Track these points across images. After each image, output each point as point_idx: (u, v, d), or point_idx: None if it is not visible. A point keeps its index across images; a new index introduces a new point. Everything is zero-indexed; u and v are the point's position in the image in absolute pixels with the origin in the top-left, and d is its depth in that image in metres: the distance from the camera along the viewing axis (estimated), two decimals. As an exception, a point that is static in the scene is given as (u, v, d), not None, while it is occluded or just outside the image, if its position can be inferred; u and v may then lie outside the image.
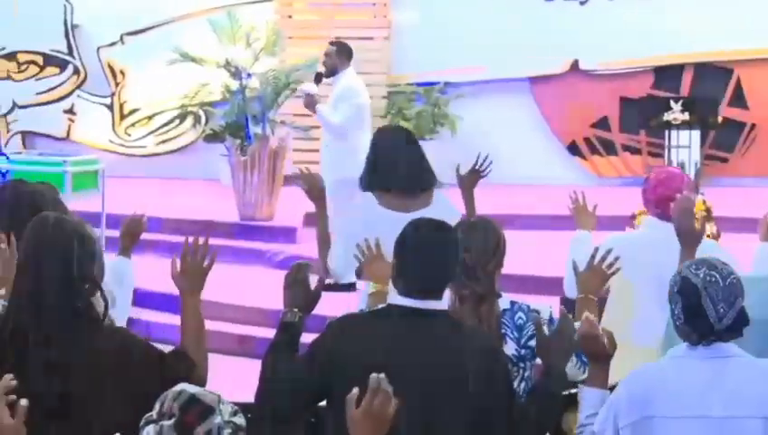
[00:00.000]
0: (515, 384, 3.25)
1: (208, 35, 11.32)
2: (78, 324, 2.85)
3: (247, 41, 11.04)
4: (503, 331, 3.39)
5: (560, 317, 3.13)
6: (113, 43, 12.80)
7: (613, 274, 3.53)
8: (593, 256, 3.51)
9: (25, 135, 13.06)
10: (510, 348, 3.38)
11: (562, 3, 11.85)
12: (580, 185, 11.22)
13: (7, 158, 9.40)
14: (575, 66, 11.85)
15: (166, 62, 11.10)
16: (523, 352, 3.40)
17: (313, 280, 3.20)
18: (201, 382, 2.87)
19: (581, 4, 11.85)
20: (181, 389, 2.32)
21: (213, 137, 11.67)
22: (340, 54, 8.66)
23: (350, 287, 5.79)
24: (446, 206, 4.78)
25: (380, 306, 3.16)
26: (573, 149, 12.04)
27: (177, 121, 12.63)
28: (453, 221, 4.64)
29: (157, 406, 2.30)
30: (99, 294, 2.93)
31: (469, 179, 4.96)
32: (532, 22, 11.65)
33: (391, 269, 3.06)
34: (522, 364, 3.40)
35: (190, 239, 3.05)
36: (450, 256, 3.04)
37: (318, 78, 8.83)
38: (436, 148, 11.74)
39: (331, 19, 12.25)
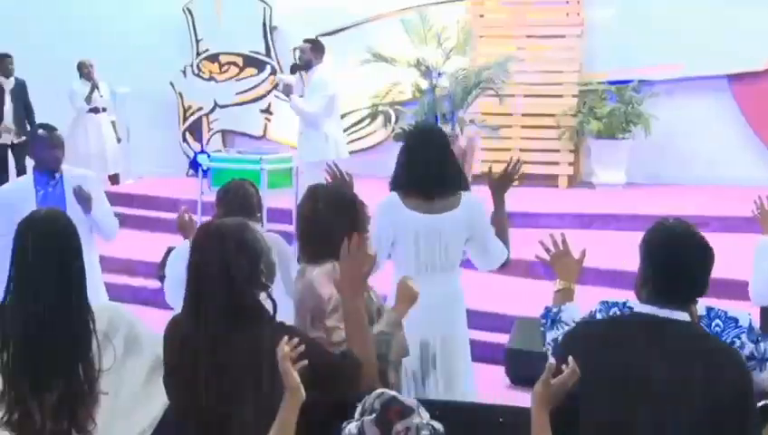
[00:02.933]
0: None
1: (400, 35, 11.45)
2: (243, 325, 2.91)
3: (438, 40, 11.11)
4: None
5: None
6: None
7: None
8: None
9: (225, 134, 13.58)
10: None
11: (766, -3, 11.34)
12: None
13: (208, 156, 9.80)
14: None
15: (358, 62, 11.30)
16: None
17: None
18: (370, 382, 2.91)
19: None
20: (382, 390, 2.37)
21: (402, 136, 11.80)
22: (314, 51, 9.54)
23: None
24: (474, 209, 4.55)
25: (578, 317, 3.07)
26: (775, 149, 11.50)
27: (368, 120, 12.83)
28: (481, 224, 4.53)
29: (359, 407, 2.36)
30: (265, 294, 2.99)
31: (499, 183, 4.70)
32: (731, 17, 11.19)
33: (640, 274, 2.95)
34: None
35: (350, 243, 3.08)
36: (700, 265, 2.87)
37: (293, 69, 9.71)
38: (628, 147, 11.50)
39: (523, 17, 12.15)
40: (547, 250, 3.53)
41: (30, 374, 2.74)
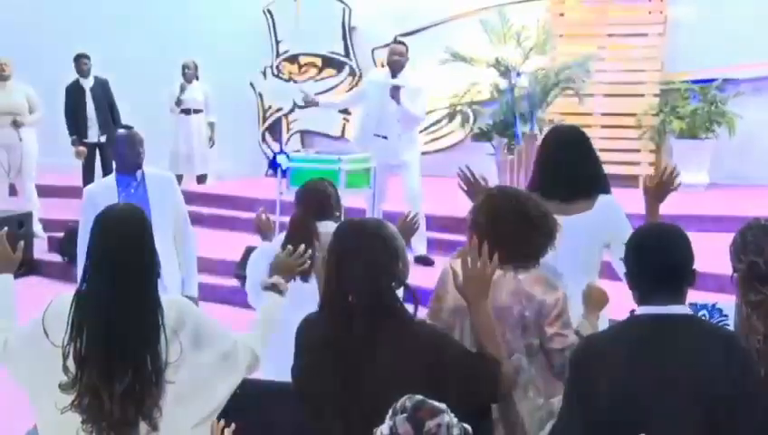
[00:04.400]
0: None
1: (479, 35, 11.39)
2: (387, 324, 2.92)
3: (518, 40, 11.02)
4: None
5: None
6: (387, 45, 13.13)
7: None
8: None
9: (304, 134, 13.68)
10: None
11: None
12: None
13: (287, 156, 9.87)
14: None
15: (437, 61, 11.28)
16: None
17: None
18: (507, 379, 2.94)
19: None
20: (412, 395, 2.39)
21: (481, 136, 11.75)
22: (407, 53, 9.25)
23: None
24: (610, 212, 4.50)
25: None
26: None
27: (447, 120, 12.81)
28: (619, 228, 4.44)
29: (390, 412, 2.38)
30: (405, 291, 3.00)
31: (654, 191, 4.61)
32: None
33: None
34: None
35: (470, 247, 3.06)
36: (684, 254, 2.89)
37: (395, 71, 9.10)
38: (712, 148, 11.27)
39: (604, 16, 12.01)
40: None
41: (101, 361, 2.83)
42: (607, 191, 4.58)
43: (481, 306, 3.04)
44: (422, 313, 3.19)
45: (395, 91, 8.70)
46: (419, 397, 2.39)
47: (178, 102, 11.65)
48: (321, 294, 3.04)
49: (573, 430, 2.84)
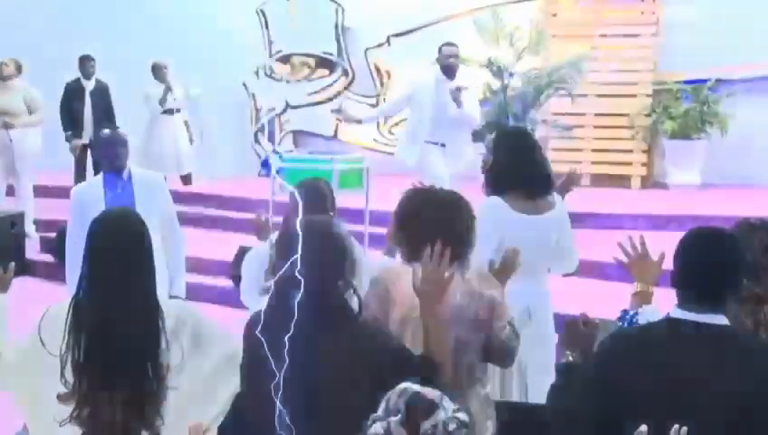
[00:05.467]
0: None
1: (472, 35, 11.39)
2: (333, 324, 2.91)
3: (511, 40, 11.03)
4: None
5: None
6: (380, 45, 13.16)
7: None
8: None
9: (297, 134, 13.67)
10: None
11: None
12: None
13: (280, 156, 9.86)
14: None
15: (430, 62, 11.27)
16: None
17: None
18: (445, 383, 2.90)
19: None
20: (405, 386, 2.36)
21: (474, 136, 11.74)
22: None
23: None
24: (563, 207, 4.71)
25: (656, 319, 3.04)
26: None
27: (439, 121, 12.80)
28: (568, 226, 4.64)
29: (383, 404, 2.35)
30: (352, 292, 2.99)
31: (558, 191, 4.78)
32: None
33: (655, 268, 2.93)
34: None
35: (433, 249, 3.05)
36: (729, 263, 2.84)
37: (451, 74, 8.70)
38: (704, 148, 11.30)
39: (597, 16, 12.02)
40: (626, 253, 3.49)
41: (100, 371, 2.79)
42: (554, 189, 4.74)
43: (434, 309, 3.04)
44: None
45: (457, 94, 8.30)
46: (411, 391, 2.36)
47: (163, 103, 11.64)
48: (271, 292, 3.03)
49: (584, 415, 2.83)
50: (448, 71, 8.51)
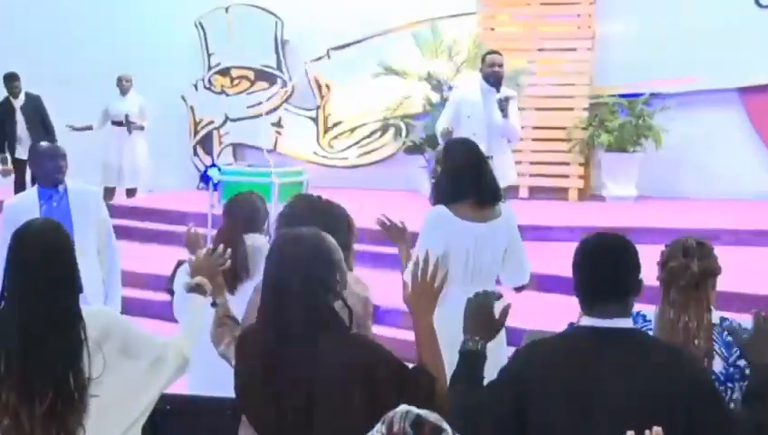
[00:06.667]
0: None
1: (411, 49, 11.46)
2: (325, 338, 2.89)
3: (449, 54, 11.12)
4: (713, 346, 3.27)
5: (754, 318, 3.03)
6: (319, 58, 13.17)
7: None
8: None
9: (236, 147, 13.61)
10: (718, 365, 3.25)
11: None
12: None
13: (219, 169, 9.81)
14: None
15: (369, 75, 11.32)
16: (731, 370, 3.26)
17: (499, 306, 3.13)
18: (443, 397, 2.91)
19: (799, 11, 11.30)
20: (407, 409, 2.33)
21: (413, 149, 11.81)
22: None
23: None
24: (511, 216, 4.71)
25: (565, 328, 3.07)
26: (787, 162, 11.47)
27: (379, 134, 12.85)
28: (517, 236, 4.68)
29: (383, 428, 2.32)
30: (342, 303, 2.97)
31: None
32: (745, 30, 11.18)
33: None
34: (730, 384, 3.24)
35: (421, 261, 3.04)
36: (629, 265, 2.89)
37: (498, 85, 8.22)
38: (639, 161, 11.48)
39: (534, 31, 12.16)
40: None
41: (20, 383, 2.77)
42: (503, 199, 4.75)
43: (425, 321, 3.04)
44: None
45: (504, 104, 7.89)
46: (414, 413, 2.33)
47: (106, 115, 11.56)
48: (259, 307, 3.02)
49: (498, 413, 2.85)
50: (494, 80, 8.04)
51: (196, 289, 3.38)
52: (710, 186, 11.23)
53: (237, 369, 3.06)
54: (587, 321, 2.88)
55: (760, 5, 11.38)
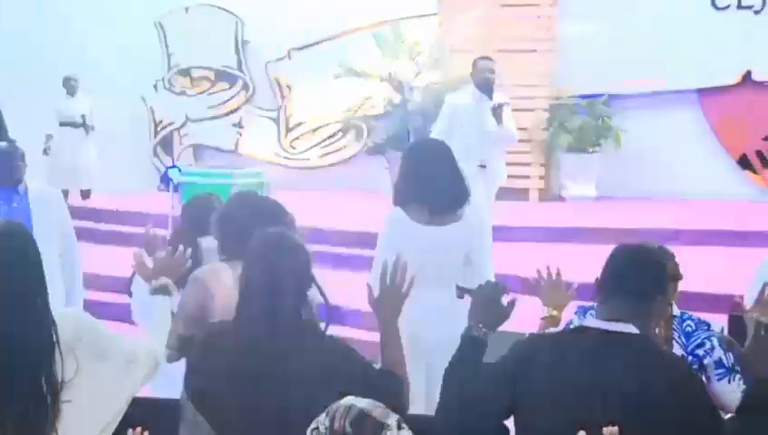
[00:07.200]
0: None
1: (373, 50, 11.47)
2: (301, 338, 2.90)
3: (410, 54, 11.14)
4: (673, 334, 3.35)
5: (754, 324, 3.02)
6: (281, 59, 13.14)
7: None
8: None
9: (197, 148, 13.54)
10: (677, 352, 3.34)
11: (735, 12, 11.46)
12: (750, 200, 10.87)
13: (179, 170, 9.76)
14: (747, 77, 11.43)
15: (331, 76, 11.32)
16: (689, 359, 3.34)
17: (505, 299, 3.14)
18: (406, 399, 2.95)
19: (756, 13, 11.42)
20: (350, 404, 2.33)
21: (375, 149, 11.82)
22: None
23: None
24: (475, 221, 4.61)
25: (573, 326, 3.07)
26: (744, 162, 11.60)
27: (341, 134, 12.84)
28: (482, 235, 4.60)
29: (326, 421, 2.31)
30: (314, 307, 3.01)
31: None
32: (703, 32, 11.31)
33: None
34: None
35: (389, 266, 3.06)
36: (647, 280, 2.89)
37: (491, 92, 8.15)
38: (599, 161, 11.57)
39: (494, 32, 12.20)
40: (539, 277, 3.58)
41: None
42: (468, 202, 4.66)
43: (392, 324, 3.06)
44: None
45: (498, 111, 7.76)
46: (357, 409, 2.31)
47: (59, 117, 11.48)
48: (237, 307, 3.01)
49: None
50: (486, 87, 7.94)
51: (160, 290, 3.37)
52: (669, 186, 11.33)
53: (198, 367, 3.04)
54: (589, 322, 2.91)
55: (717, 8, 11.51)
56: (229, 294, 3.26)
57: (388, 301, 3.05)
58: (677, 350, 3.34)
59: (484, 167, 7.77)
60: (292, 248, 2.99)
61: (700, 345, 3.38)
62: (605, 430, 2.37)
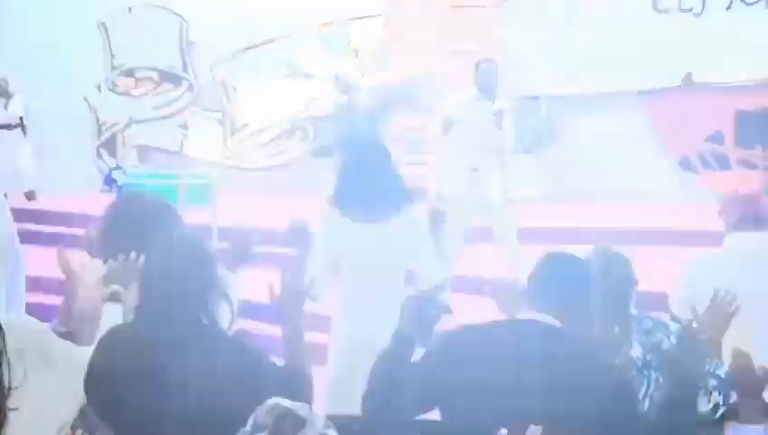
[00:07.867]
0: (641, 391, 3.25)
1: (319, 50, 11.47)
2: (206, 337, 2.90)
3: (356, 55, 11.15)
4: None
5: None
6: (226, 60, 13.08)
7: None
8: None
9: (141, 149, 13.43)
10: (636, 351, 3.39)
11: (676, 15, 11.63)
12: (692, 201, 11.03)
13: (124, 171, 9.70)
14: (688, 79, 11.61)
15: (276, 77, 11.30)
16: (648, 356, 3.39)
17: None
18: (310, 398, 2.94)
19: (696, 15, 11.61)
20: (275, 402, 2.36)
21: (320, 152, 11.82)
22: None
23: None
24: (411, 220, 4.56)
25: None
26: (685, 163, 11.79)
27: (286, 136, 12.82)
28: (416, 236, 4.55)
29: (251, 421, 2.34)
30: (226, 305, 2.99)
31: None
32: (644, 34, 11.46)
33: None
34: (646, 371, 3.37)
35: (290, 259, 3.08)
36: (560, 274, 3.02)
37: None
38: (538, 162, 11.67)
39: (437, 34, 12.25)
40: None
41: None
42: (412, 200, 4.64)
43: (296, 321, 3.07)
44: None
45: (500, 117, 7.73)
46: (281, 407, 2.33)
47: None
48: (138, 306, 2.99)
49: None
50: (488, 90, 7.90)
51: (112, 297, 3.34)
52: (613, 187, 11.46)
53: (101, 363, 2.98)
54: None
55: (658, 10, 11.68)
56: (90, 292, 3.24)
57: (289, 297, 3.07)
58: (637, 348, 3.39)
59: (477, 171, 7.73)
60: (190, 248, 2.96)
61: (659, 344, 3.42)
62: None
